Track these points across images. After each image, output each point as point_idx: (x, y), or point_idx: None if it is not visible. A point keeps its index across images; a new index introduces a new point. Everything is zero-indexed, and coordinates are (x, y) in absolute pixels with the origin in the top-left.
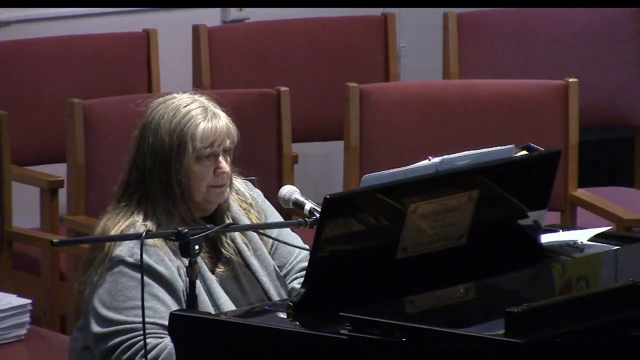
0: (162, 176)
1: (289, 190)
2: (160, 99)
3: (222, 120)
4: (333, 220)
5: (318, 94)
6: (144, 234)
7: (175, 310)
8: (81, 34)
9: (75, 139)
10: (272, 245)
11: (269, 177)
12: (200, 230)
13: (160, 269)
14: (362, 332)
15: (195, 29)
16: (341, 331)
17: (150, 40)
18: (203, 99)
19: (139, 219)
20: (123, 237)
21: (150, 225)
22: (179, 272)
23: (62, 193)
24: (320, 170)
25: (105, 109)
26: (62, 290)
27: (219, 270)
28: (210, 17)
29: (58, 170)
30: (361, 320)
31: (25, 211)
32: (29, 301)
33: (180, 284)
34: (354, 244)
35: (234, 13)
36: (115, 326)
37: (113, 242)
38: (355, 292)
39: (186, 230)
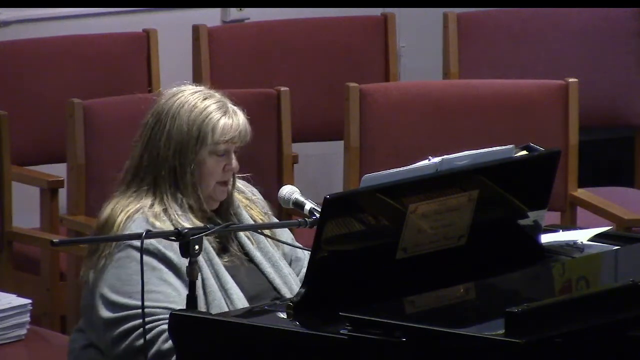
0: (174, 164)
1: (289, 190)
2: (175, 88)
3: (242, 119)
4: (333, 220)
5: (318, 94)
6: (144, 233)
7: (175, 311)
8: (81, 34)
9: (75, 139)
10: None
11: (269, 177)
12: (200, 230)
13: (169, 254)
14: (362, 332)
15: (195, 29)
16: (341, 331)
17: (150, 40)
18: (219, 95)
19: (147, 203)
20: (123, 237)
21: (157, 210)
22: None
23: (62, 193)
24: (320, 170)
25: (105, 109)
26: (62, 290)
27: (225, 258)
28: (210, 17)
29: (58, 170)
30: (361, 320)
31: (25, 211)
32: (29, 301)
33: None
34: (354, 244)
35: (234, 13)
36: (127, 311)
37: (120, 226)
38: (355, 292)
39: (186, 230)
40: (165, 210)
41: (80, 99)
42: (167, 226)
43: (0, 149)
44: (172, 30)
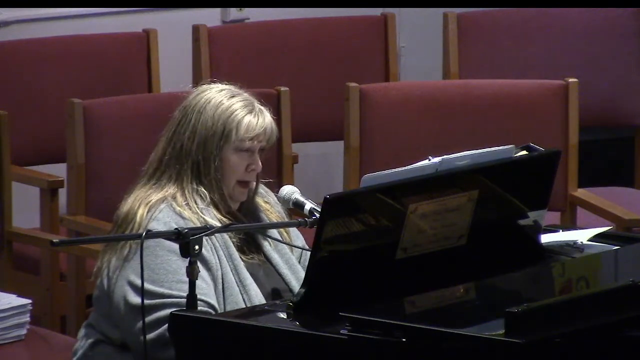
0: (198, 158)
1: (289, 191)
2: (204, 85)
3: (268, 118)
4: (333, 220)
5: (318, 94)
6: (144, 234)
7: (175, 311)
8: (81, 34)
9: (75, 139)
10: (301, 254)
11: (268, 177)
12: (200, 230)
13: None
14: (362, 332)
15: (195, 29)
16: (341, 331)
17: (150, 40)
18: (246, 94)
19: (170, 193)
20: (123, 238)
21: (180, 201)
22: (214, 250)
23: (62, 193)
24: (320, 170)
25: (105, 109)
26: (62, 290)
27: (245, 257)
28: (210, 17)
29: (58, 170)
30: (361, 320)
31: (25, 211)
32: (29, 301)
33: (214, 262)
34: (354, 244)
35: (234, 13)
36: (160, 299)
37: (143, 217)
38: (355, 292)
39: (186, 230)
40: (187, 204)
41: (80, 99)
42: (193, 217)
43: (0, 149)
44: (172, 30)
